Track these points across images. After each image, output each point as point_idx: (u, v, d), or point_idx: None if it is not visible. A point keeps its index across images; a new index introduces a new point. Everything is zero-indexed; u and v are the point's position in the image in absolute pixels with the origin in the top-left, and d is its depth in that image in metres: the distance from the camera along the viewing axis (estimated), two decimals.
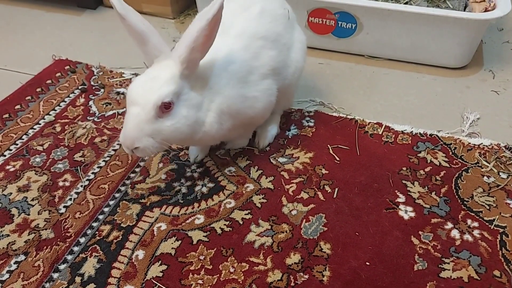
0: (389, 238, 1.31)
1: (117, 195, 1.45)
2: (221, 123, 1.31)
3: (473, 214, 1.38)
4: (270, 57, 1.38)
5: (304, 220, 1.36)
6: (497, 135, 1.66)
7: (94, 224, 1.36)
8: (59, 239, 1.32)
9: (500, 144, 1.61)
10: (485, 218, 1.36)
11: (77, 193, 1.46)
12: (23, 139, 1.67)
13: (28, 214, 1.39)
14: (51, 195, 1.45)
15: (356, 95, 1.89)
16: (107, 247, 1.30)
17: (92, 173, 1.53)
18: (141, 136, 1.17)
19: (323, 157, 1.57)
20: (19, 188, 1.48)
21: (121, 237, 1.32)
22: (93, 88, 1.92)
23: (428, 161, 1.55)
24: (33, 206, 1.42)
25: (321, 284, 1.20)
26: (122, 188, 1.47)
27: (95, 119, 1.75)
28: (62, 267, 1.25)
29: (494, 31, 2.32)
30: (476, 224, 1.35)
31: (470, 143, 1.62)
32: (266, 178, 1.50)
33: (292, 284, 1.21)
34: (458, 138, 1.64)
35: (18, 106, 1.82)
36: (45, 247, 1.30)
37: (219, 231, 1.34)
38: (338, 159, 1.56)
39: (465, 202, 1.41)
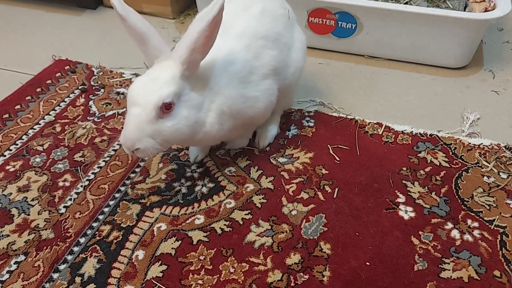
0: (389, 238, 1.31)
1: (117, 195, 1.45)
2: (221, 124, 1.31)
3: (473, 214, 1.38)
4: (271, 57, 1.38)
5: (304, 220, 1.36)
6: (497, 135, 1.66)
7: (94, 224, 1.36)
8: (59, 239, 1.32)
9: (500, 144, 1.61)
10: (485, 218, 1.36)
11: (77, 193, 1.46)
12: (23, 139, 1.67)
13: (28, 214, 1.39)
14: (51, 195, 1.45)
15: (356, 95, 1.89)
16: (107, 247, 1.30)
17: (92, 173, 1.53)
18: (141, 137, 1.17)
19: (323, 157, 1.57)
20: (19, 188, 1.48)
21: (121, 237, 1.32)
22: (93, 88, 1.92)
23: (428, 161, 1.55)
24: (33, 206, 1.42)
25: (321, 284, 1.20)
26: (122, 188, 1.47)
27: (95, 119, 1.75)
28: (62, 267, 1.25)
29: (494, 31, 2.32)
30: (476, 224, 1.35)
31: (470, 143, 1.62)
32: (266, 178, 1.50)
33: (292, 284, 1.21)
34: (458, 138, 1.64)
35: (18, 106, 1.82)
36: (45, 247, 1.30)
37: (219, 231, 1.34)
38: (338, 159, 1.56)
39: (465, 202, 1.41)
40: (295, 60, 1.50)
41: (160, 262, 1.26)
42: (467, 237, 1.32)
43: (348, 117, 1.74)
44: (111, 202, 1.43)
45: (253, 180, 1.49)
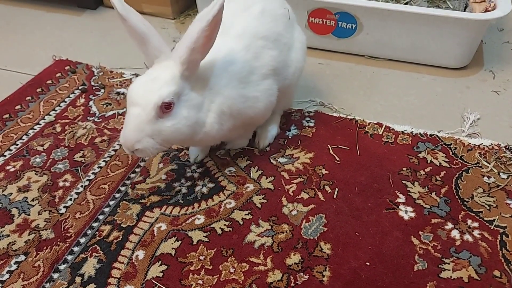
0: (389, 238, 1.31)
1: (117, 195, 1.45)
2: (221, 124, 1.31)
3: (473, 214, 1.38)
4: (271, 57, 1.38)
5: (304, 220, 1.36)
6: (497, 135, 1.66)
7: (94, 224, 1.36)
8: (59, 239, 1.32)
9: (500, 144, 1.61)
10: (485, 218, 1.36)
11: (77, 193, 1.46)
12: (23, 139, 1.67)
13: (28, 214, 1.39)
14: (51, 195, 1.45)
15: (356, 95, 1.89)
16: (107, 247, 1.30)
17: (92, 173, 1.53)
18: (141, 137, 1.17)
19: (323, 157, 1.57)
20: (19, 188, 1.48)
21: (121, 237, 1.33)
22: (93, 88, 1.92)
23: (428, 161, 1.55)
24: (33, 206, 1.42)
25: (321, 284, 1.20)
26: (122, 188, 1.47)
27: (95, 119, 1.75)
28: (62, 267, 1.25)
29: (494, 31, 2.33)
30: (476, 224, 1.35)
31: (470, 143, 1.62)
32: (266, 178, 1.50)
33: (292, 284, 1.21)
34: (458, 139, 1.64)
35: (18, 106, 1.82)
36: (45, 247, 1.30)
37: (219, 231, 1.34)
38: (338, 159, 1.56)
39: (465, 203, 1.41)
40: (295, 60, 1.50)
41: (160, 262, 1.26)
42: (467, 237, 1.32)
43: (348, 117, 1.74)
44: (111, 202, 1.43)
45: (253, 180, 1.49)
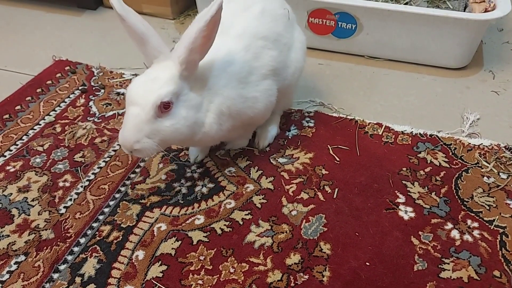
0: (389, 238, 1.31)
1: (117, 195, 1.45)
2: (220, 124, 1.31)
3: (473, 214, 1.38)
4: (271, 57, 1.38)
5: (304, 221, 1.36)
6: (497, 136, 1.66)
7: (94, 225, 1.36)
8: (59, 240, 1.32)
9: (500, 144, 1.61)
10: (485, 219, 1.37)
11: (77, 193, 1.46)
12: (23, 140, 1.67)
13: (28, 215, 1.39)
14: (51, 195, 1.45)
15: (356, 96, 1.89)
16: (107, 248, 1.30)
17: (92, 173, 1.53)
18: (140, 137, 1.17)
19: (323, 158, 1.57)
20: (19, 188, 1.48)
21: (121, 237, 1.33)
22: (93, 88, 1.92)
23: (428, 161, 1.55)
24: (33, 206, 1.42)
25: (321, 284, 1.20)
26: (122, 189, 1.47)
27: (95, 120, 1.75)
28: (62, 267, 1.25)
29: (494, 32, 2.33)
30: (476, 224, 1.35)
31: (470, 143, 1.62)
32: (266, 178, 1.50)
33: (292, 284, 1.21)
34: (458, 139, 1.64)
35: (18, 107, 1.82)
36: (45, 248, 1.30)
37: (219, 231, 1.34)
38: (338, 159, 1.56)
39: (465, 203, 1.41)
40: (294, 60, 1.50)
41: (160, 262, 1.26)
42: (467, 237, 1.32)
43: (348, 117, 1.74)
44: (111, 203, 1.43)
45: (253, 180, 1.49)
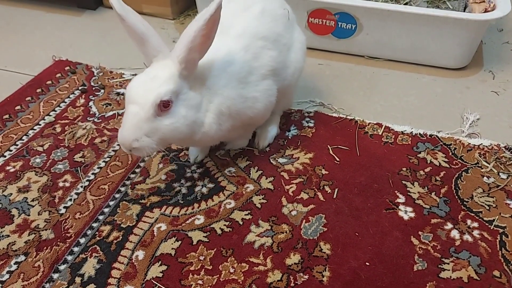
0: (389, 238, 1.31)
1: (117, 195, 1.45)
2: (220, 124, 1.31)
3: (473, 214, 1.38)
4: (270, 58, 1.38)
5: (304, 221, 1.36)
6: (497, 136, 1.66)
7: (94, 225, 1.36)
8: (59, 240, 1.32)
9: (500, 144, 1.61)
10: (485, 219, 1.37)
11: (77, 193, 1.46)
12: (23, 140, 1.67)
13: (28, 215, 1.39)
14: (51, 195, 1.45)
15: (356, 96, 1.90)
16: (107, 248, 1.30)
17: (92, 173, 1.53)
18: (139, 135, 1.16)
19: (323, 158, 1.57)
20: (19, 188, 1.48)
21: (121, 237, 1.33)
22: (93, 88, 1.92)
23: (428, 161, 1.55)
24: (33, 206, 1.42)
25: (321, 284, 1.20)
26: (122, 189, 1.47)
27: (95, 120, 1.75)
28: (62, 267, 1.25)
29: (494, 32, 2.33)
30: (476, 224, 1.35)
31: (470, 143, 1.62)
32: (266, 178, 1.50)
33: (292, 284, 1.21)
34: (458, 139, 1.64)
35: (18, 107, 1.82)
36: (45, 248, 1.30)
37: (219, 231, 1.34)
38: (338, 159, 1.56)
39: (465, 203, 1.41)
40: (294, 60, 1.50)
41: (160, 262, 1.26)
42: (467, 237, 1.32)
43: (348, 117, 1.74)
44: (111, 203, 1.43)
45: (253, 180, 1.49)
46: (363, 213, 1.38)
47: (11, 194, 1.46)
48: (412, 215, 1.38)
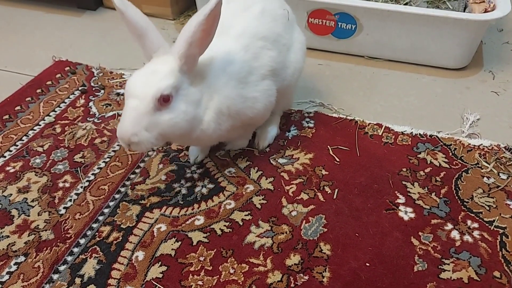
0: (389, 239, 1.31)
1: (117, 196, 1.45)
2: (219, 123, 1.30)
3: (473, 215, 1.38)
4: (270, 58, 1.38)
5: (304, 221, 1.36)
6: (497, 136, 1.66)
7: (94, 225, 1.36)
8: (59, 240, 1.32)
9: (500, 145, 1.61)
10: (485, 219, 1.36)
11: (77, 194, 1.46)
12: (23, 140, 1.67)
13: (28, 215, 1.39)
14: (51, 196, 1.45)
15: (356, 96, 1.89)
16: (107, 248, 1.30)
17: (92, 174, 1.53)
18: (138, 129, 1.15)
19: (323, 158, 1.57)
20: (19, 189, 1.48)
21: (121, 238, 1.32)
22: (93, 89, 1.92)
23: (428, 162, 1.55)
24: (33, 207, 1.42)
25: (321, 285, 1.20)
26: (122, 189, 1.47)
27: (95, 120, 1.75)
28: (62, 268, 1.25)
29: (494, 32, 2.33)
30: (476, 225, 1.35)
31: (470, 144, 1.62)
32: (266, 179, 1.50)
33: (292, 285, 1.21)
34: (458, 139, 1.64)
35: (18, 107, 1.82)
36: (45, 248, 1.30)
37: (219, 232, 1.34)
38: (338, 160, 1.56)
39: (465, 203, 1.41)
40: (294, 61, 1.49)
41: (160, 263, 1.26)
42: (467, 238, 1.32)
43: (348, 118, 1.74)
44: (111, 203, 1.43)
45: (253, 181, 1.49)
46: (363, 214, 1.38)
47: (11, 194, 1.46)
48: (412, 215, 1.38)
